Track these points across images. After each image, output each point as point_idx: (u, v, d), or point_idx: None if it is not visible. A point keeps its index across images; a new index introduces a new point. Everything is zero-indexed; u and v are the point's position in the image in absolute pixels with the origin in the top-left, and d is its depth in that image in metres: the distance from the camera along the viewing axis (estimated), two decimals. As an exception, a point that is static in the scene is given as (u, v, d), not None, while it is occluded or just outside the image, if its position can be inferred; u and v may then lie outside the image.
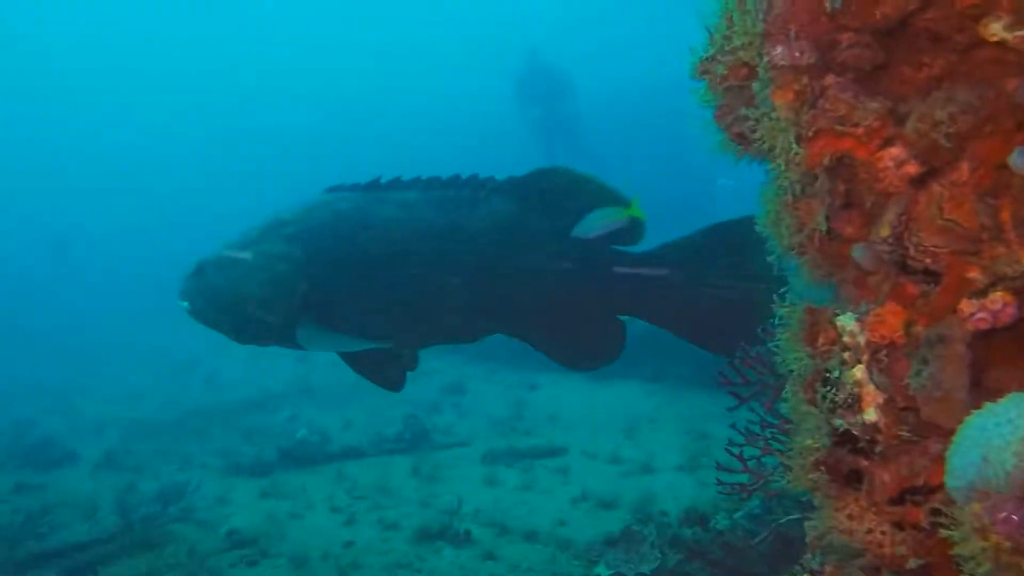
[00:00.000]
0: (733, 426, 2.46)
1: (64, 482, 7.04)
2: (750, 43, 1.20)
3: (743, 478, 2.51)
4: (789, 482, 1.34)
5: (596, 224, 3.50)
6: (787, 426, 2.22)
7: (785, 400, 1.40)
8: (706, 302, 3.62)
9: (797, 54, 1.14)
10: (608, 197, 3.67)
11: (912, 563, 1.19)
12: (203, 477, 6.77)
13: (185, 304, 3.90)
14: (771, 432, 2.26)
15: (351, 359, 3.89)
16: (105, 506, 6.12)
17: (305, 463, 7.05)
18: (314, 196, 4.06)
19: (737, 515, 3.99)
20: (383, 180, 3.97)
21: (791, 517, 2.35)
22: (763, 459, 2.35)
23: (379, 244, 3.82)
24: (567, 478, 6.43)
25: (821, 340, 1.38)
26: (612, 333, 3.88)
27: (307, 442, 7.19)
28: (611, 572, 3.64)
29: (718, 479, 2.50)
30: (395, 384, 3.95)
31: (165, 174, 26.69)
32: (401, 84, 26.89)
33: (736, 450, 2.39)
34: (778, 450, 2.19)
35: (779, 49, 1.15)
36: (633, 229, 3.67)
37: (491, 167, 4.04)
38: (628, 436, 7.29)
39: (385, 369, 3.93)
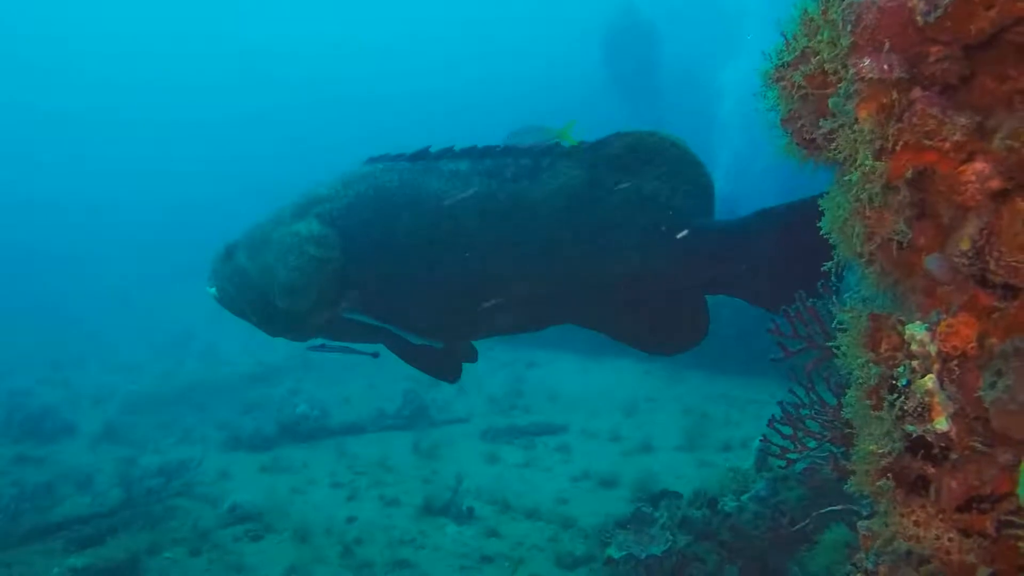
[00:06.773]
0: (781, 404, 2.46)
1: (64, 455, 7.02)
2: (836, 54, 1.20)
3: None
4: (852, 486, 1.36)
5: (527, 138, 3.21)
6: (828, 410, 2.26)
7: (847, 404, 1.41)
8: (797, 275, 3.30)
9: (886, 67, 1.14)
10: (690, 163, 3.33)
11: (982, 572, 1.21)
12: (204, 451, 6.79)
13: (212, 291, 3.56)
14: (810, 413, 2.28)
15: (403, 353, 3.51)
16: (106, 479, 6.13)
17: (305, 438, 7.08)
18: (353, 168, 3.61)
19: (744, 497, 4.04)
20: (432, 149, 3.51)
21: (832, 508, 2.38)
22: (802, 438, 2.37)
23: (426, 222, 3.36)
24: (568, 456, 6.49)
25: (884, 346, 1.40)
26: (696, 311, 3.50)
27: (307, 417, 7.21)
28: (623, 553, 3.68)
29: (764, 435, 2.49)
30: (453, 376, 3.61)
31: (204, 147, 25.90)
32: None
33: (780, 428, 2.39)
34: (817, 432, 2.22)
35: (867, 61, 1.15)
36: (704, 199, 3.35)
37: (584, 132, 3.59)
38: (627, 415, 7.36)
39: (441, 362, 3.57)
